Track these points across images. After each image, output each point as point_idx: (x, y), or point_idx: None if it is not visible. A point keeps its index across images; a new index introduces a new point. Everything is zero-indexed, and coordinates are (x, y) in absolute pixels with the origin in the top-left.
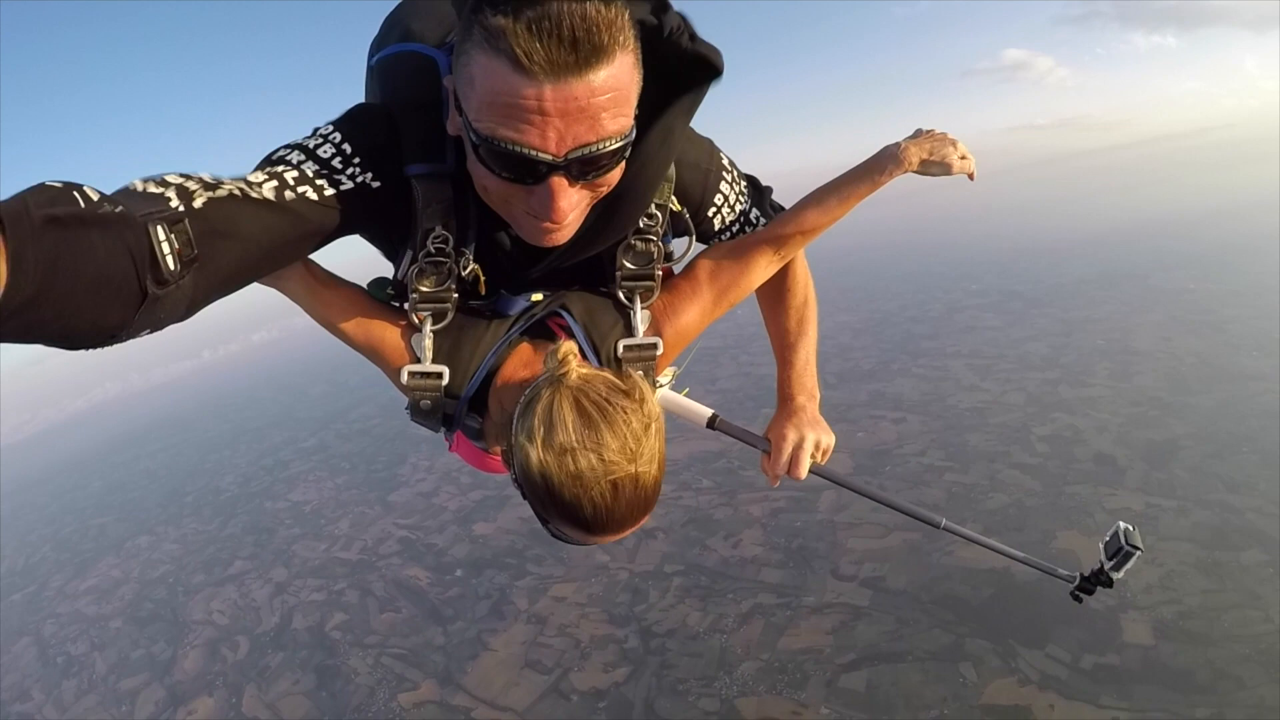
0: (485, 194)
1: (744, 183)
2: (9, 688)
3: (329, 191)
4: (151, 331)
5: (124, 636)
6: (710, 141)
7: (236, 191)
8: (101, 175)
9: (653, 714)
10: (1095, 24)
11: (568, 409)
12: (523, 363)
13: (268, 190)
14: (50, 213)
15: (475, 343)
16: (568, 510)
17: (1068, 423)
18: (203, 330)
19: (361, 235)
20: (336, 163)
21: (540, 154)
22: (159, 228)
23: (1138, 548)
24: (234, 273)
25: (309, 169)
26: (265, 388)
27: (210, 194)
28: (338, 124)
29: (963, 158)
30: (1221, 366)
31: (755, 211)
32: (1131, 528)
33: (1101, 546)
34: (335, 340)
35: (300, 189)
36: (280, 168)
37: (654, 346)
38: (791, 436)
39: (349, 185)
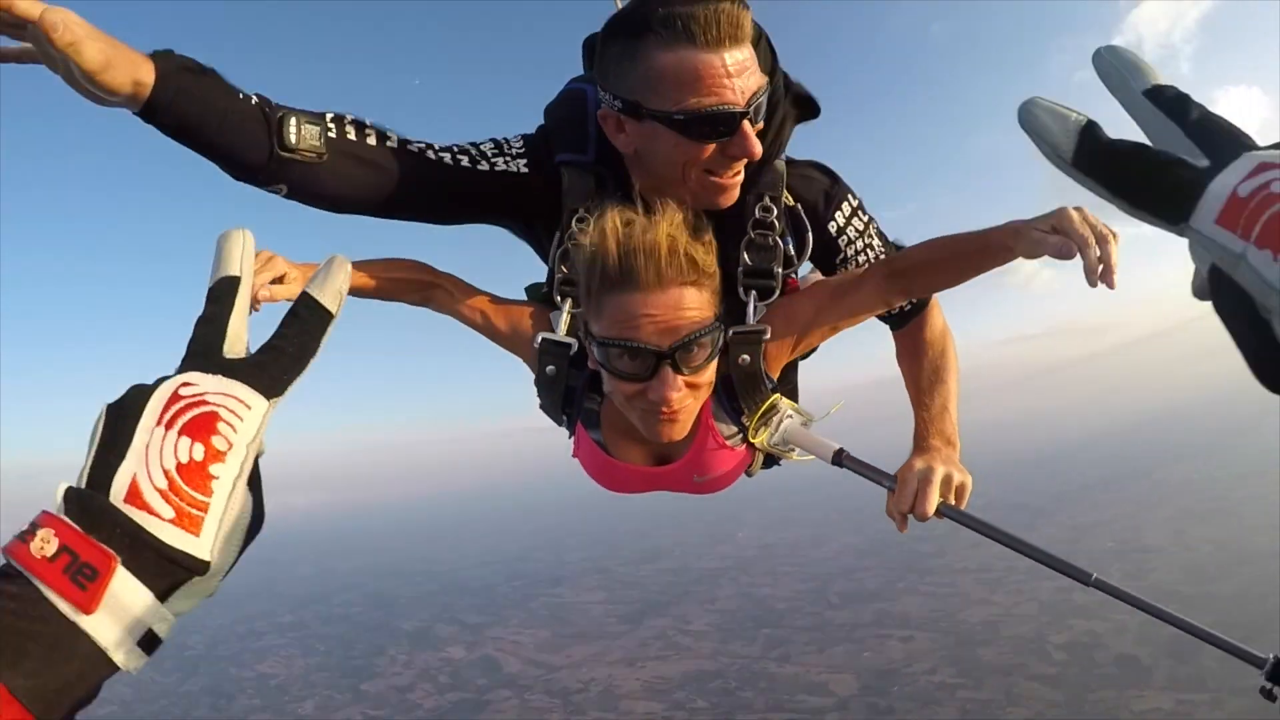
0: (683, 169)
1: (876, 225)
2: None
3: (481, 166)
4: (290, 193)
5: None
6: (840, 178)
7: (388, 134)
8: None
9: None
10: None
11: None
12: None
13: (415, 146)
14: (194, 61)
15: None
16: (598, 258)
17: (1085, 628)
18: None
19: (506, 218)
20: (488, 149)
21: (735, 107)
22: (291, 118)
23: None
24: (363, 183)
25: (462, 146)
26: (252, 556)
27: (355, 127)
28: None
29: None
30: (1239, 551)
31: (884, 252)
32: None
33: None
34: (328, 523)
35: (445, 154)
36: (439, 144)
37: (761, 332)
38: (919, 467)
39: (502, 166)
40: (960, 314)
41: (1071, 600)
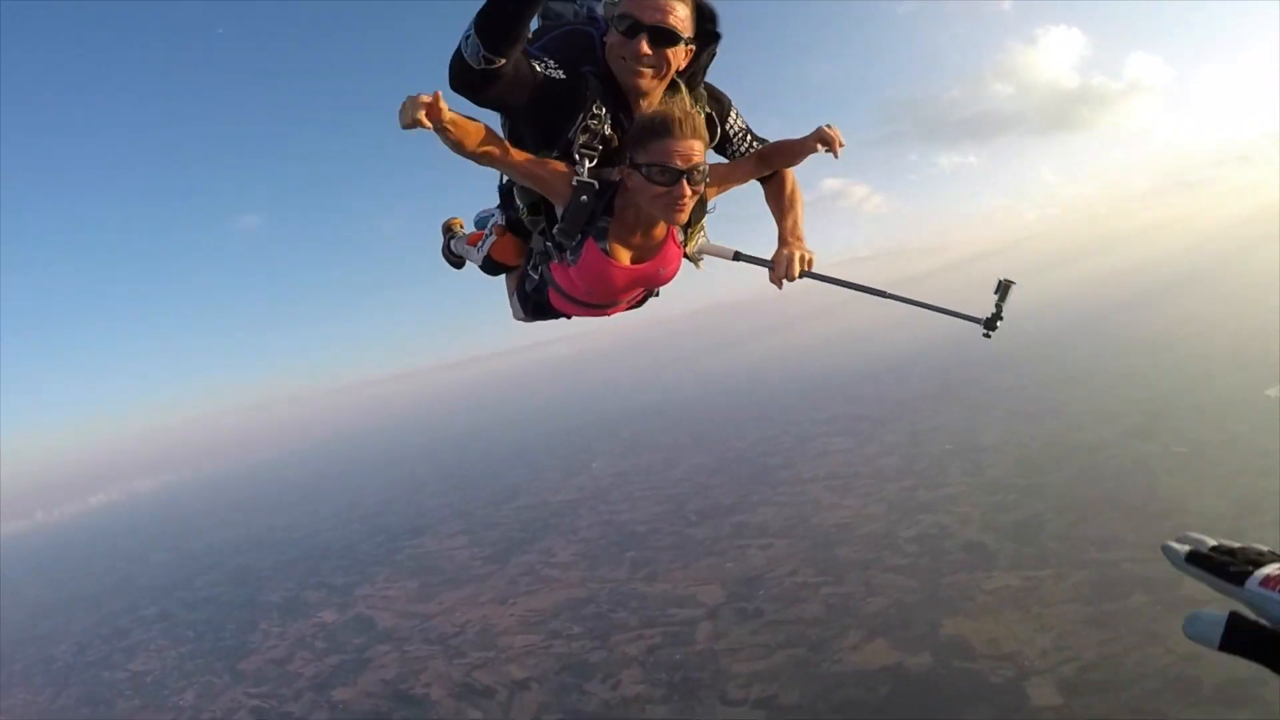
0: (614, 56)
1: (746, 124)
2: None
3: (542, 71)
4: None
5: None
6: (728, 97)
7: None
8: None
9: None
10: (900, 145)
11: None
12: (625, 169)
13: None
14: None
15: (607, 175)
16: (656, 119)
17: (932, 521)
18: (35, 489)
19: (537, 107)
20: (550, 65)
21: (640, 18)
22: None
23: (1013, 281)
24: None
25: (540, 65)
26: (103, 553)
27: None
28: (547, 49)
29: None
30: (1066, 444)
31: (752, 134)
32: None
33: (993, 295)
34: (177, 503)
35: (537, 66)
36: (540, 60)
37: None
38: (785, 252)
39: (552, 73)
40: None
41: (917, 498)
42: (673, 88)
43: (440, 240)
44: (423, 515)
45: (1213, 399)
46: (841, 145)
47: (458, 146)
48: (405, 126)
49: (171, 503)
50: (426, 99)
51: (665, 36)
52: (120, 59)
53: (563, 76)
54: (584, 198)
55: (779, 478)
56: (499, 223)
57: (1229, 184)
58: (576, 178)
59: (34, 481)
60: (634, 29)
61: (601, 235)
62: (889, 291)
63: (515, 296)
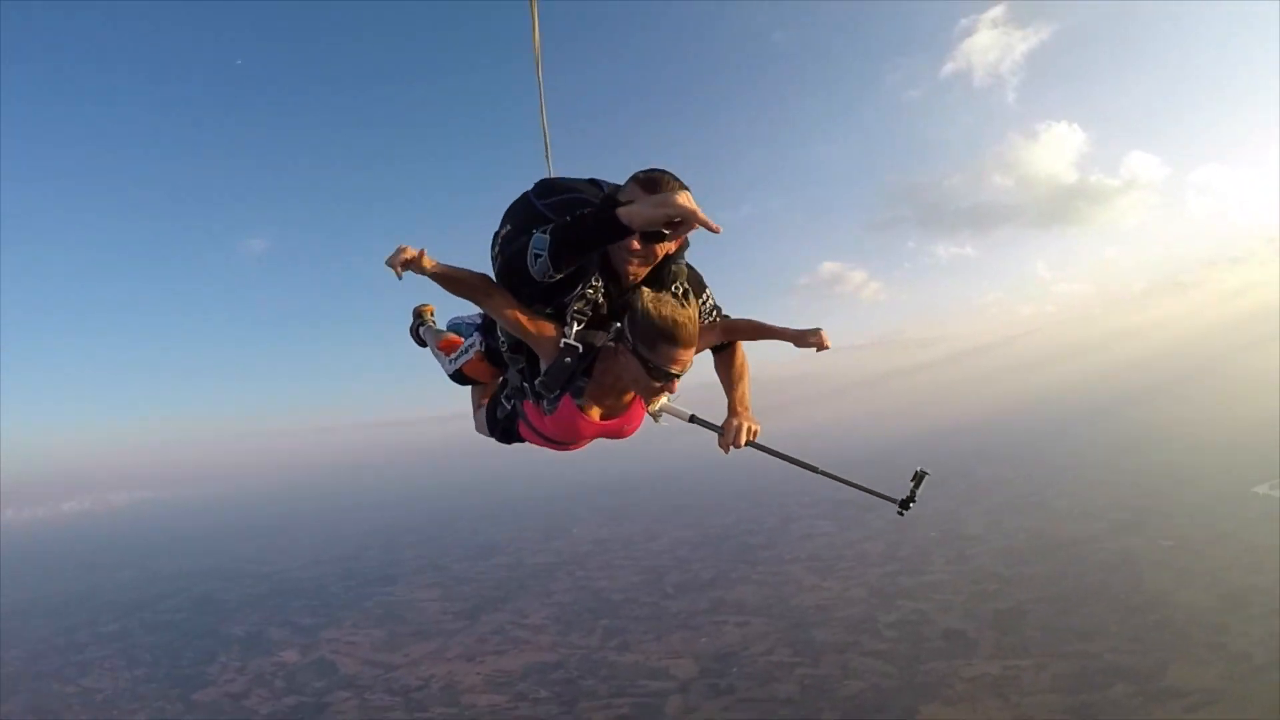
0: (617, 250)
1: (714, 301)
2: None
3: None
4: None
5: None
6: (703, 279)
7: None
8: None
9: None
10: (899, 230)
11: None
12: (623, 349)
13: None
14: None
15: (591, 340)
16: (669, 328)
17: (913, 608)
18: (7, 488)
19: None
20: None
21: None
22: None
23: (927, 472)
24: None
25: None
26: (69, 561)
27: None
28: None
29: (815, 334)
30: (1052, 537)
31: (719, 311)
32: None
33: (910, 482)
34: (150, 521)
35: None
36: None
37: None
38: (734, 422)
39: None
40: (790, 323)
41: (898, 583)
42: (661, 265)
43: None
44: (397, 564)
45: (1201, 495)
46: (828, 347)
47: (452, 288)
48: (389, 265)
49: (145, 520)
50: (411, 254)
51: (654, 235)
52: (135, 76)
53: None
54: (569, 360)
55: (760, 556)
56: (478, 348)
57: (1221, 285)
58: (564, 340)
59: (7, 480)
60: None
61: (579, 394)
62: (820, 468)
63: (483, 415)
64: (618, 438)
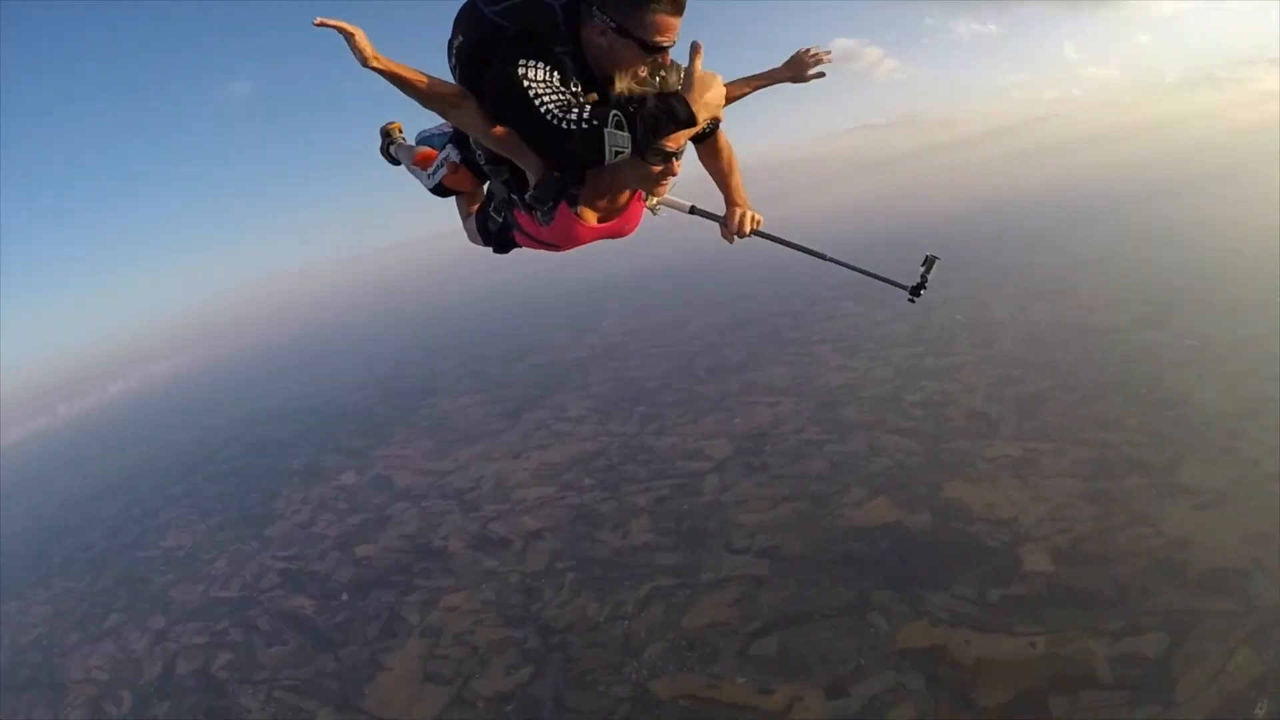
0: (606, 52)
1: None
2: None
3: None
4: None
5: (2, 706)
6: None
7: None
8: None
9: (563, 709)
10: (916, 4)
11: None
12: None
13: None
14: None
15: None
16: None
17: (937, 388)
18: (55, 385)
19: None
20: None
21: (651, 44)
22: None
23: (938, 256)
24: None
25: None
26: (127, 437)
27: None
28: (507, 14)
29: (810, 52)
30: (1076, 325)
31: None
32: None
33: (920, 267)
34: (195, 383)
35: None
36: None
37: None
38: (737, 212)
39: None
40: (803, 104)
41: (924, 364)
42: None
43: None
44: (435, 377)
45: (1226, 298)
46: (828, 58)
47: (411, 94)
48: (316, 23)
49: (188, 383)
50: (347, 26)
51: (653, 47)
52: None
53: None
54: (558, 172)
55: (787, 338)
56: (453, 159)
57: (1260, 85)
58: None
59: (53, 377)
60: (641, 47)
61: (573, 201)
62: (828, 255)
63: (473, 225)
64: (618, 237)
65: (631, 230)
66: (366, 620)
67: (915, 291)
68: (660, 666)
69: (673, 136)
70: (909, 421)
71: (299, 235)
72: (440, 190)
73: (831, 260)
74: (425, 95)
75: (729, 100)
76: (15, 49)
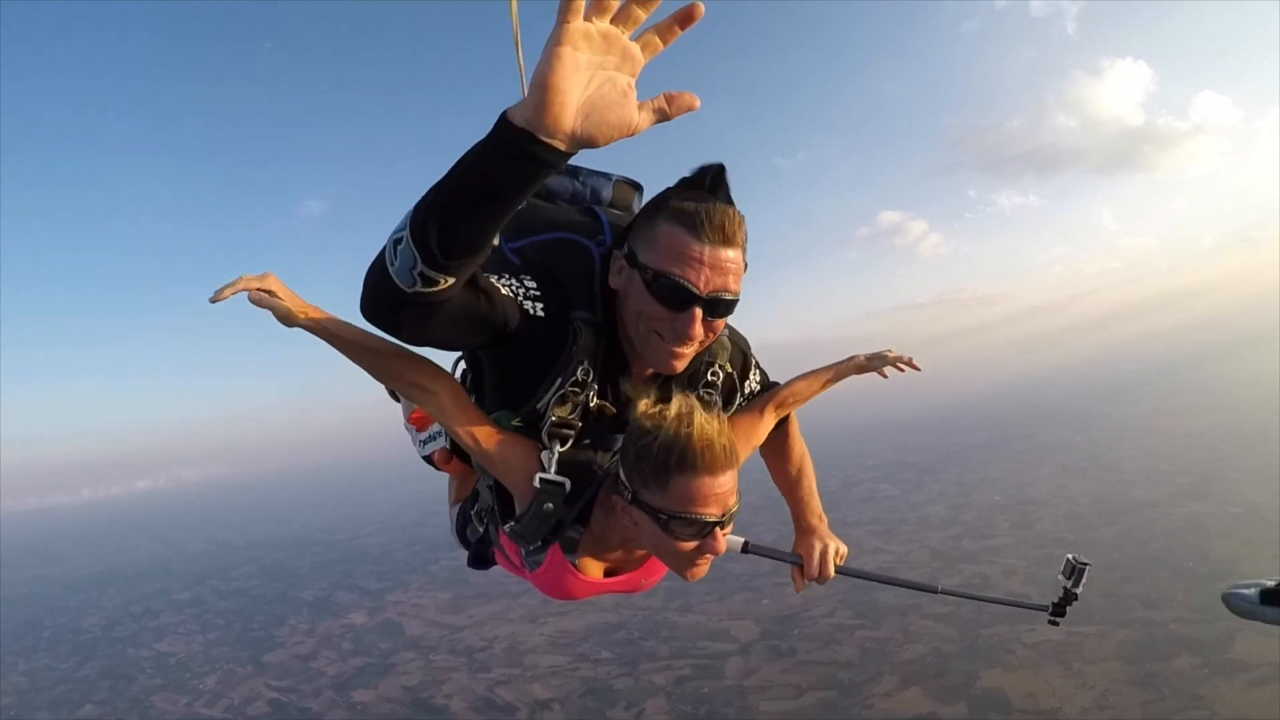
0: (638, 320)
1: (760, 368)
2: None
3: (523, 305)
4: (455, 283)
5: None
6: (751, 351)
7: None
8: None
9: None
10: (960, 176)
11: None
12: (621, 502)
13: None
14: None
15: (587, 465)
16: (685, 450)
17: (975, 571)
18: (82, 465)
19: (510, 351)
20: (530, 290)
21: (694, 287)
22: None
23: (1087, 562)
24: (457, 313)
25: (513, 288)
26: (143, 535)
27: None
28: (526, 261)
29: (896, 358)
30: (1117, 502)
31: (765, 391)
32: (1076, 555)
33: (1060, 576)
34: (221, 496)
35: (506, 292)
36: (511, 277)
37: None
38: (818, 546)
39: (529, 308)
40: (847, 282)
41: (961, 547)
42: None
43: None
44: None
45: (1270, 462)
46: (918, 369)
47: (357, 361)
48: (212, 300)
49: (217, 493)
50: (254, 286)
51: (725, 306)
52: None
53: (541, 314)
54: (549, 505)
55: None
56: (444, 442)
57: None
58: (541, 476)
59: (84, 460)
60: (682, 299)
61: (570, 547)
62: (941, 588)
63: (453, 518)
64: (631, 593)
65: (651, 585)
66: None
67: (1058, 610)
68: None
69: (706, 493)
70: (945, 607)
71: (350, 367)
72: (429, 463)
73: (945, 593)
74: (376, 365)
75: (808, 395)
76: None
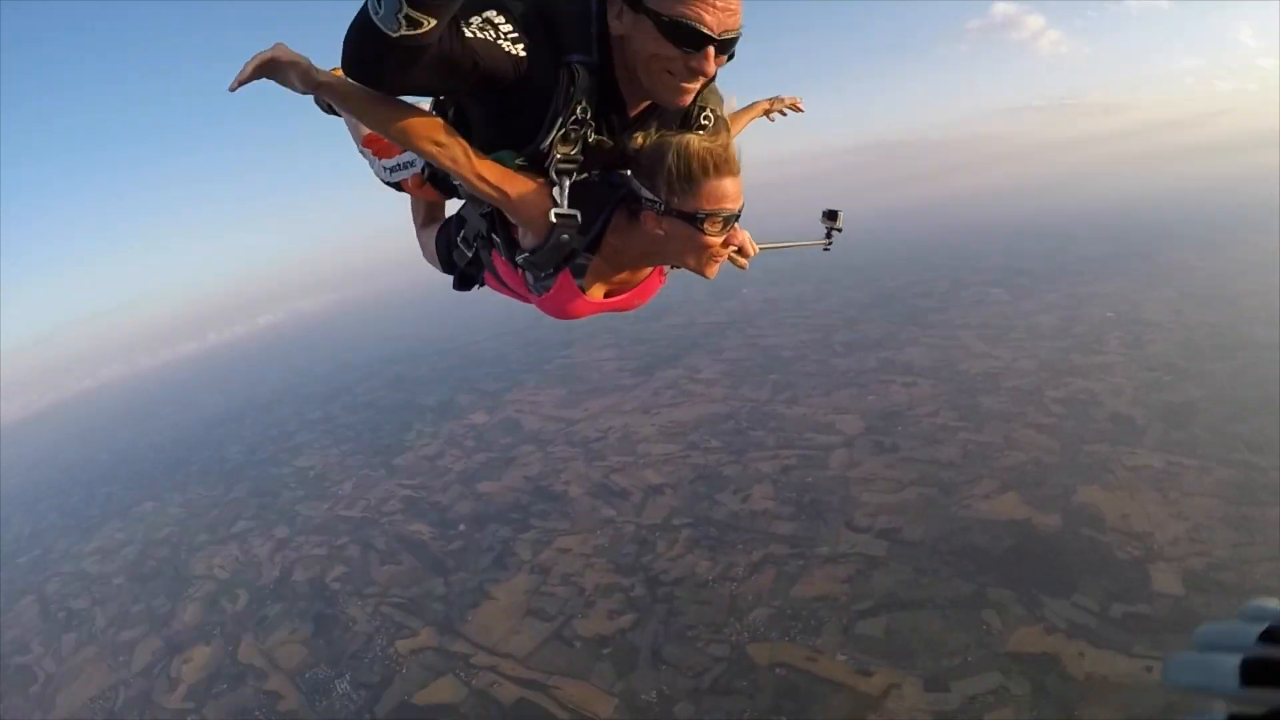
0: (650, 61)
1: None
2: (9, 642)
3: (502, 46)
4: (437, 23)
5: (125, 592)
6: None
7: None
8: None
9: (659, 660)
10: None
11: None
12: (626, 216)
13: (474, 27)
14: None
15: (596, 198)
16: (709, 159)
17: (1082, 386)
18: (207, 312)
19: (494, 94)
20: (503, 32)
21: (709, 29)
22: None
23: (838, 209)
24: (437, 57)
25: (491, 29)
26: (271, 366)
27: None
28: (504, 10)
29: (791, 101)
30: (1235, 336)
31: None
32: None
33: (822, 223)
34: (340, 321)
35: (484, 34)
36: (481, 19)
37: None
38: (742, 234)
39: (508, 49)
40: (957, 77)
41: (1070, 360)
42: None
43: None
44: (573, 329)
45: None
46: (801, 109)
47: (365, 119)
48: (232, 89)
49: (333, 321)
50: (264, 56)
51: (734, 44)
52: None
53: (523, 54)
54: (565, 237)
55: (930, 320)
56: (417, 169)
57: None
58: (555, 211)
59: (207, 305)
60: (698, 40)
61: (580, 271)
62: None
63: (431, 244)
64: (623, 312)
65: (641, 304)
66: (480, 551)
67: (828, 237)
68: (762, 632)
69: (729, 192)
70: (1049, 418)
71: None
72: (394, 187)
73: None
74: (390, 123)
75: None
76: None
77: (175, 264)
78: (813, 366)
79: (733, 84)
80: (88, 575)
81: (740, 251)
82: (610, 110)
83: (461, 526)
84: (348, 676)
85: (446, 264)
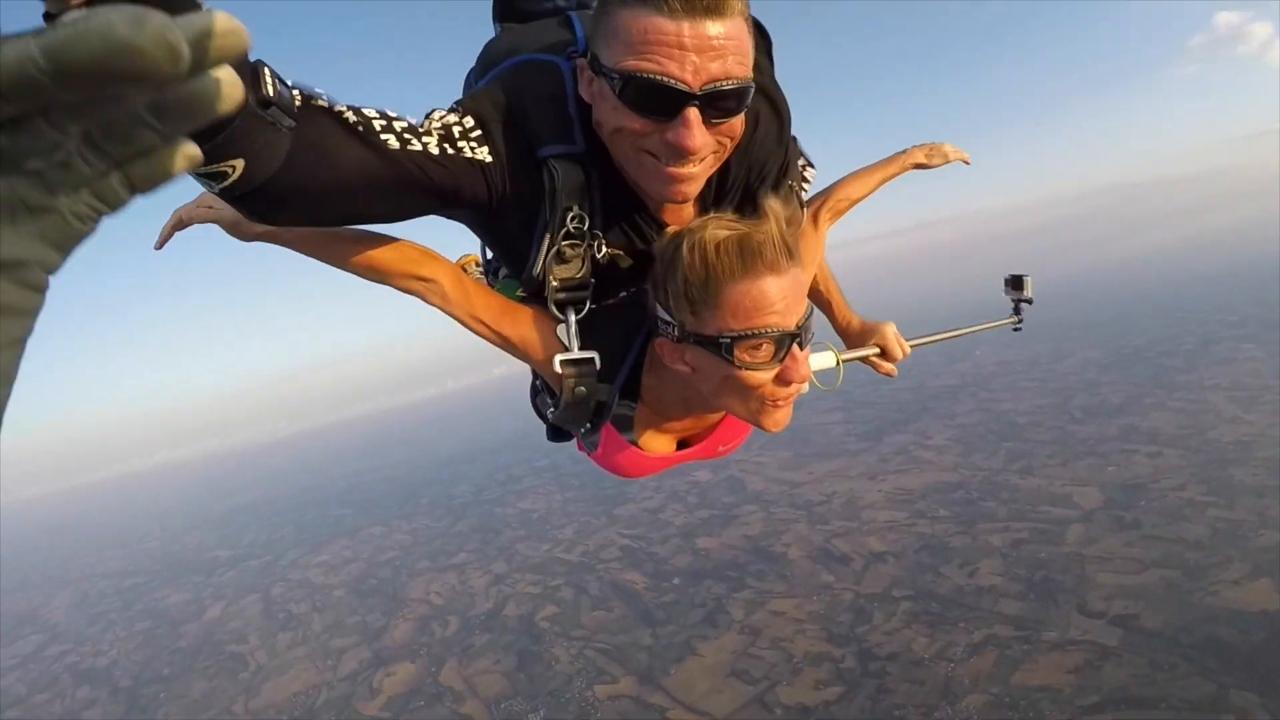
0: (620, 139)
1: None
2: (230, 631)
3: (448, 150)
4: (246, 159)
5: (344, 604)
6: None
7: (351, 117)
8: None
9: None
10: None
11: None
12: (670, 345)
13: (377, 127)
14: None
15: (621, 329)
16: (733, 256)
17: None
18: (447, 362)
19: (468, 215)
20: (456, 131)
21: (679, 84)
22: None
23: (1024, 273)
24: (322, 176)
25: (425, 132)
26: (503, 415)
27: (323, 103)
28: (460, 102)
29: (956, 152)
30: None
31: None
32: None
33: (1005, 292)
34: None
35: (410, 139)
36: (401, 123)
37: None
38: (884, 329)
39: (468, 154)
40: (1178, 104)
41: None
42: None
43: None
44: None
45: None
46: (966, 160)
47: (330, 262)
48: (157, 247)
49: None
50: (176, 214)
51: (732, 98)
52: None
53: (490, 160)
54: (581, 389)
55: (1177, 381)
56: None
57: None
58: (560, 358)
59: (444, 355)
60: (665, 101)
61: (625, 425)
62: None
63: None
64: (711, 459)
65: (732, 450)
66: (691, 606)
67: (1017, 313)
68: (976, 719)
69: (766, 299)
70: None
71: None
72: None
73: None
74: (357, 263)
75: (856, 197)
76: None
77: (423, 315)
78: (1049, 434)
79: (929, 136)
80: (311, 584)
81: (884, 355)
82: (630, 209)
83: (676, 580)
84: (542, 712)
85: (538, 412)
